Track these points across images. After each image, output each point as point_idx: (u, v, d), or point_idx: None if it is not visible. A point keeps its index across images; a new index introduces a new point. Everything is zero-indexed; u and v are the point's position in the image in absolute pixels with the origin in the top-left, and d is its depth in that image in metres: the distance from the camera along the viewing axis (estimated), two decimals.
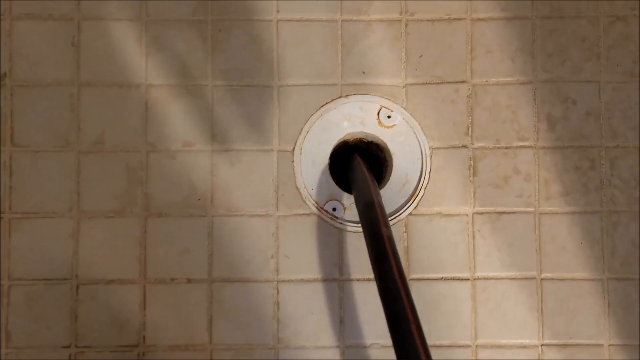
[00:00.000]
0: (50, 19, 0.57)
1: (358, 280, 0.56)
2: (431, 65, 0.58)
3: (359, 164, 0.56)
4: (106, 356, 0.55)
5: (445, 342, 0.56)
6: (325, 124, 0.58)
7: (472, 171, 0.57)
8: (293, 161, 0.57)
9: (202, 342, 0.55)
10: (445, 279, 0.56)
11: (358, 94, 0.58)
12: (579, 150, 0.57)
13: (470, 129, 0.57)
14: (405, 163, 0.58)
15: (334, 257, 0.56)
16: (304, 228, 0.56)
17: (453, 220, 0.57)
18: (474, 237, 0.56)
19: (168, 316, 0.55)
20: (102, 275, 0.56)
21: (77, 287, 0.55)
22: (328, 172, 0.58)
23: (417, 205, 0.57)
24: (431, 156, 0.57)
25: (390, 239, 0.44)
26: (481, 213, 0.57)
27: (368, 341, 0.55)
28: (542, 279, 0.56)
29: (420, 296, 0.56)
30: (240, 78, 0.57)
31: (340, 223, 0.57)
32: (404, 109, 0.58)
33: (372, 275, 0.50)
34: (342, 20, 0.58)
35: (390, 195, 0.57)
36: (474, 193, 0.57)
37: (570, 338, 0.56)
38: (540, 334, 0.56)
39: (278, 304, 0.56)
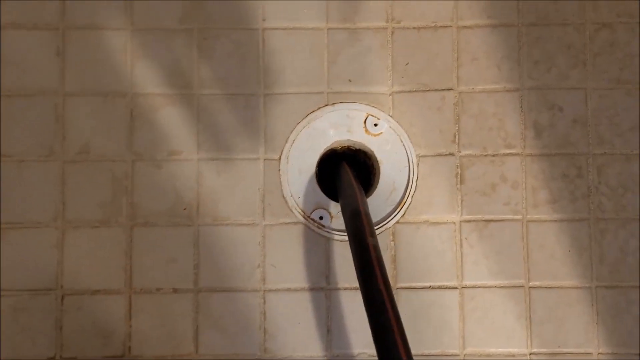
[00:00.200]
0: (35, 29, 0.57)
1: (345, 289, 0.56)
2: (417, 73, 0.58)
3: (346, 172, 0.55)
4: None
5: (433, 352, 0.55)
6: (312, 132, 0.57)
7: (459, 179, 0.57)
8: (279, 170, 0.57)
9: (188, 352, 0.55)
10: (432, 288, 0.56)
11: (344, 102, 0.57)
12: (566, 157, 0.57)
13: (457, 137, 0.57)
14: (392, 171, 0.58)
15: (321, 266, 0.56)
16: (291, 237, 0.56)
17: (440, 228, 0.56)
18: (461, 245, 0.56)
19: (154, 326, 0.55)
20: (88, 286, 0.55)
21: (62, 298, 0.55)
22: (315, 181, 0.57)
23: (405, 213, 0.57)
24: (418, 164, 0.57)
25: (376, 248, 0.44)
26: (468, 221, 0.56)
27: (356, 350, 0.55)
28: (530, 287, 0.56)
29: (408, 305, 0.55)
30: (226, 86, 0.57)
31: (327, 232, 0.56)
32: (391, 116, 0.57)
33: None
34: (328, 29, 0.58)
35: (377, 203, 0.57)
36: (461, 201, 0.57)
37: (559, 347, 0.55)
38: (529, 343, 0.55)
39: (265, 313, 0.55)
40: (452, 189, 0.57)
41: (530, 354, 0.55)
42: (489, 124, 0.57)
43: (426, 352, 0.55)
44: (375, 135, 0.58)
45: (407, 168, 0.57)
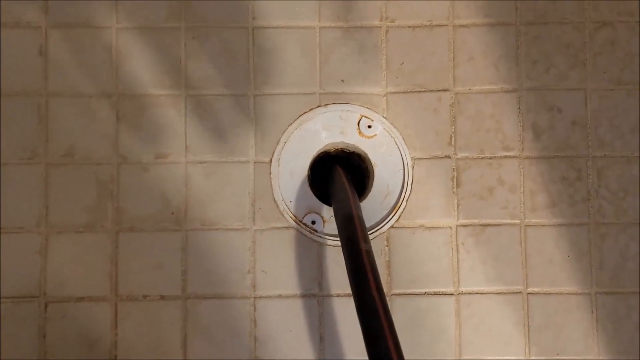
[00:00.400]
0: (17, 27, 0.56)
1: (338, 295, 0.55)
2: (412, 73, 0.57)
3: (339, 175, 0.55)
4: None
5: None
6: (304, 134, 0.57)
7: (455, 182, 0.56)
8: (270, 173, 0.56)
9: None
10: (428, 294, 0.55)
11: (337, 103, 0.57)
12: (565, 160, 0.56)
13: (453, 139, 0.56)
14: (386, 174, 0.57)
15: (313, 272, 0.55)
16: (282, 242, 0.55)
17: (436, 233, 0.56)
18: (457, 251, 0.56)
19: (141, 334, 0.54)
20: (72, 293, 0.54)
21: (46, 305, 0.54)
22: (307, 184, 0.57)
23: (399, 217, 0.56)
24: (413, 167, 0.56)
25: (369, 254, 0.43)
26: (465, 225, 0.56)
27: (349, 358, 0.54)
28: (528, 293, 0.55)
29: (403, 312, 0.55)
30: (215, 87, 0.56)
31: (320, 237, 0.56)
32: (385, 118, 0.57)
33: None
34: (320, 27, 0.57)
35: (371, 207, 0.56)
36: (458, 205, 0.56)
37: (558, 354, 0.55)
38: (527, 350, 0.55)
39: (255, 321, 0.54)
40: (448, 193, 0.56)
41: None
42: (486, 125, 0.56)
43: None
44: (369, 137, 0.57)
45: (402, 171, 0.56)
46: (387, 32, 0.57)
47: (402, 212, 0.56)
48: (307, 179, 0.57)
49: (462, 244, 0.56)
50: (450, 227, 0.56)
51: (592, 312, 0.55)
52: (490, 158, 0.56)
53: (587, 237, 0.56)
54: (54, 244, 0.54)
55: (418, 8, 0.57)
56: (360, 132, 0.57)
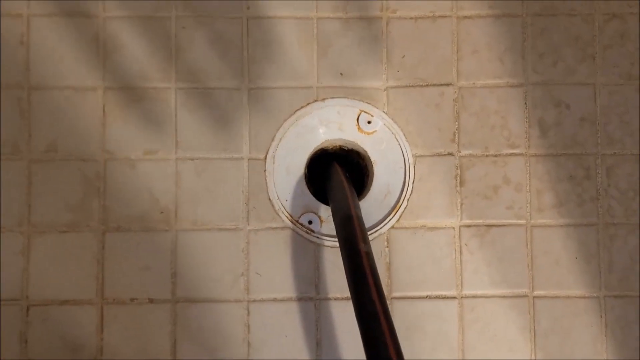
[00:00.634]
0: None
1: (336, 299, 0.54)
2: (414, 67, 0.56)
3: (337, 173, 0.54)
4: None
5: None
6: (300, 129, 0.55)
7: (458, 181, 0.55)
8: (265, 170, 0.55)
9: None
10: (430, 297, 0.54)
11: (335, 97, 0.56)
12: (573, 158, 0.56)
13: (456, 136, 0.56)
14: (387, 172, 0.56)
15: (310, 274, 0.54)
16: (277, 243, 0.54)
17: (438, 233, 0.55)
18: (461, 252, 0.55)
19: (127, 339, 0.53)
20: (55, 296, 0.53)
21: (28, 309, 0.53)
22: (304, 182, 0.56)
23: (400, 217, 0.55)
24: (415, 165, 0.56)
25: (369, 255, 0.43)
26: (469, 226, 0.55)
27: None
28: (534, 296, 0.55)
29: (403, 316, 0.54)
30: (206, 80, 0.55)
31: (317, 237, 0.55)
32: (385, 113, 0.56)
33: None
34: (317, 18, 0.56)
35: (371, 207, 0.56)
36: (461, 204, 0.55)
37: None
38: (533, 356, 0.54)
39: (249, 325, 0.53)
40: (451, 192, 0.55)
41: None
42: (490, 121, 0.56)
43: None
44: (368, 134, 0.56)
45: (403, 169, 0.55)
46: (388, 23, 0.56)
47: (403, 211, 0.55)
48: (303, 177, 0.56)
49: (466, 245, 0.55)
50: (453, 228, 0.55)
51: (601, 316, 0.55)
52: (495, 156, 0.56)
53: (596, 238, 0.55)
54: (37, 245, 0.53)
55: None
56: (359, 128, 0.56)
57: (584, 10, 0.56)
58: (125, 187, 0.54)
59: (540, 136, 0.55)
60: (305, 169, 0.56)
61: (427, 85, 0.56)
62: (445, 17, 0.56)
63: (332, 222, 0.53)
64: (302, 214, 0.55)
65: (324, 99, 0.55)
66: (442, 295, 0.54)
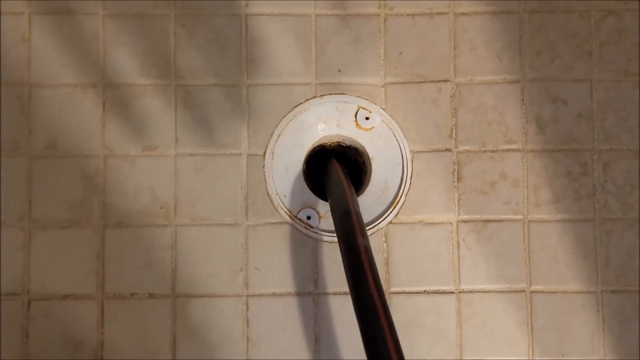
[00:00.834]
0: None
1: (334, 294, 0.54)
2: (412, 63, 0.56)
3: (335, 169, 0.54)
4: None
5: None
6: (299, 126, 0.56)
7: (456, 176, 0.55)
8: (264, 166, 0.55)
9: None
10: (427, 293, 0.54)
11: (334, 94, 0.56)
12: (570, 153, 0.56)
13: (454, 132, 0.56)
14: (384, 168, 0.56)
15: (308, 270, 0.54)
16: (276, 238, 0.54)
17: (436, 229, 0.55)
18: (458, 247, 0.55)
19: (128, 334, 0.53)
20: (56, 290, 0.53)
21: (29, 303, 0.53)
22: (302, 178, 0.56)
23: (398, 213, 0.55)
24: (412, 160, 0.56)
25: (368, 250, 0.42)
26: (466, 221, 0.55)
27: (346, 359, 0.53)
28: (531, 291, 0.55)
29: (401, 311, 0.54)
30: (206, 76, 0.55)
31: (315, 232, 0.55)
32: (383, 109, 0.56)
33: None
34: (315, 15, 0.56)
35: (369, 202, 0.55)
36: (459, 200, 0.55)
37: (563, 355, 0.54)
38: (530, 351, 0.54)
39: (247, 320, 0.53)
40: (448, 187, 0.55)
41: None
42: (488, 117, 0.56)
43: None
44: (366, 130, 0.56)
45: (401, 165, 0.55)
46: (385, 20, 0.56)
47: (401, 207, 0.55)
48: (302, 173, 0.56)
49: (463, 240, 0.55)
50: (451, 223, 0.55)
51: (598, 311, 0.54)
52: (493, 151, 0.55)
53: (593, 234, 0.55)
54: (38, 240, 0.53)
55: None
56: (357, 124, 0.56)
57: (580, 7, 0.56)
58: (125, 183, 0.54)
59: (538, 132, 0.55)
60: (303, 165, 0.56)
61: (424, 81, 0.56)
62: (442, 14, 0.56)
63: (331, 218, 0.53)
64: (300, 210, 0.55)
65: (322, 96, 0.55)
66: (439, 290, 0.54)
